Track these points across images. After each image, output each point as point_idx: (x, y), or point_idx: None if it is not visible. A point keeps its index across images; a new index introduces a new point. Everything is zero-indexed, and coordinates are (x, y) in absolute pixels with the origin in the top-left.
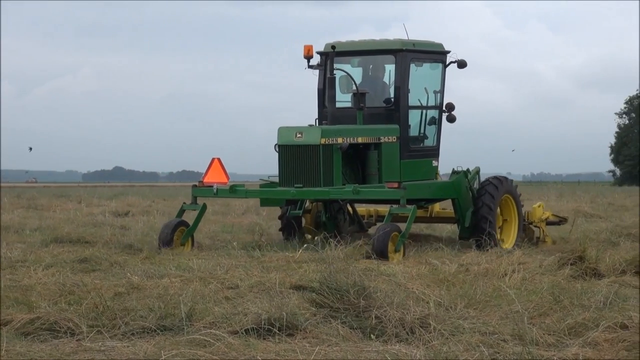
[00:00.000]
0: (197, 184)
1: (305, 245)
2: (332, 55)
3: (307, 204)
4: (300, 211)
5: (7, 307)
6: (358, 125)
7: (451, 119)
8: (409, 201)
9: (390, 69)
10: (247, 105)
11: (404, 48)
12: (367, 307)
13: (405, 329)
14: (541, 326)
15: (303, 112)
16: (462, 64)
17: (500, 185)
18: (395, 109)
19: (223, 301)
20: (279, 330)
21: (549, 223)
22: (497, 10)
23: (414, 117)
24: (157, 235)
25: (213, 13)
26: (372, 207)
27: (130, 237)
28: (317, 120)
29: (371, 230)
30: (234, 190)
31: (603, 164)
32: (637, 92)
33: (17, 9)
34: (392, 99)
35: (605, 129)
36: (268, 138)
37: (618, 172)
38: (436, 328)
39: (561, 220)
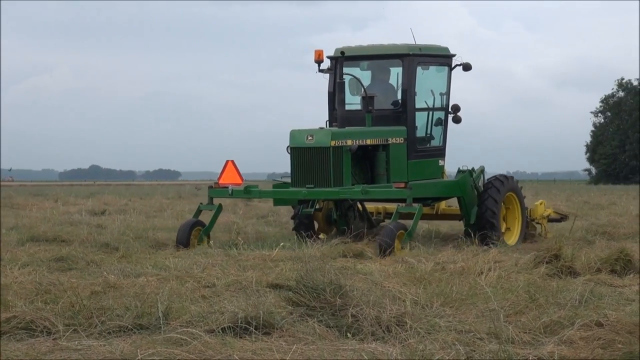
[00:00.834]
0: (213, 185)
1: (281, 244)
2: (341, 60)
3: (319, 203)
4: (312, 209)
5: None
6: (367, 128)
7: (457, 120)
8: (417, 200)
9: (397, 72)
10: (225, 105)
11: (411, 52)
12: (344, 305)
13: (381, 328)
14: (517, 324)
15: (283, 112)
16: (467, 67)
17: (505, 183)
18: (402, 111)
19: (200, 300)
20: (255, 329)
21: (550, 220)
22: (473, 10)
23: (420, 118)
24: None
25: (191, 12)
26: (380, 205)
27: (107, 236)
28: (327, 122)
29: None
30: (249, 191)
31: (579, 163)
32: (613, 90)
33: None
34: (400, 102)
35: (581, 127)
36: (245, 137)
37: (594, 170)
38: (412, 326)
39: (562, 218)
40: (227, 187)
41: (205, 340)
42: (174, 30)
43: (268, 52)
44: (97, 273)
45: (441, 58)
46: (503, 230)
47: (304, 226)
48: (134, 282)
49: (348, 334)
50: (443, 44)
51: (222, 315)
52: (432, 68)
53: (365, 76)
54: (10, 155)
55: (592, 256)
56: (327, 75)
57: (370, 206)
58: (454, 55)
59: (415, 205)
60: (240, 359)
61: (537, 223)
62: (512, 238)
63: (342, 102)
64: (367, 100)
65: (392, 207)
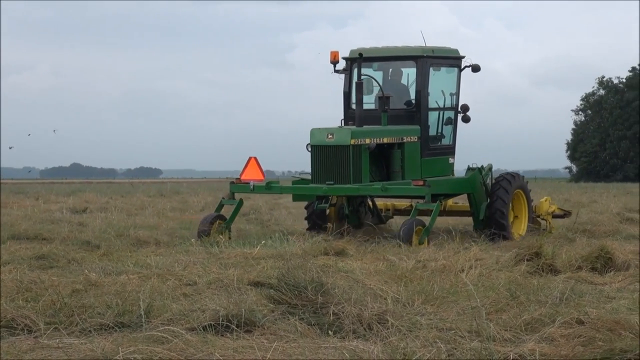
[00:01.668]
0: (234, 180)
1: (263, 242)
2: (359, 62)
3: (332, 198)
4: (327, 205)
5: None
6: (383, 127)
7: (466, 119)
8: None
9: (408, 72)
10: (205, 103)
11: (424, 54)
12: (325, 303)
13: (362, 325)
14: (498, 322)
15: (260, 111)
16: (476, 68)
17: (513, 181)
18: (416, 111)
19: (181, 298)
20: (236, 327)
21: (554, 216)
22: (454, 9)
23: (432, 117)
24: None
25: (172, 11)
26: (389, 202)
27: (88, 234)
28: (342, 121)
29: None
30: (270, 187)
31: (559, 161)
32: (594, 89)
33: None
34: (413, 102)
35: (562, 125)
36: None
37: (574, 168)
38: (394, 324)
39: (565, 214)
40: (249, 183)
41: (187, 338)
42: (154, 29)
43: (248, 51)
44: (78, 271)
45: (452, 60)
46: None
47: (319, 220)
48: (115, 280)
49: (329, 331)
50: (424, 43)
51: (204, 313)
52: (443, 69)
53: (377, 76)
54: None
55: (572, 254)
56: (343, 75)
57: (379, 202)
58: (463, 57)
59: (433, 203)
60: (221, 357)
61: (542, 219)
62: (519, 233)
63: (361, 102)
64: (384, 100)
65: (401, 203)
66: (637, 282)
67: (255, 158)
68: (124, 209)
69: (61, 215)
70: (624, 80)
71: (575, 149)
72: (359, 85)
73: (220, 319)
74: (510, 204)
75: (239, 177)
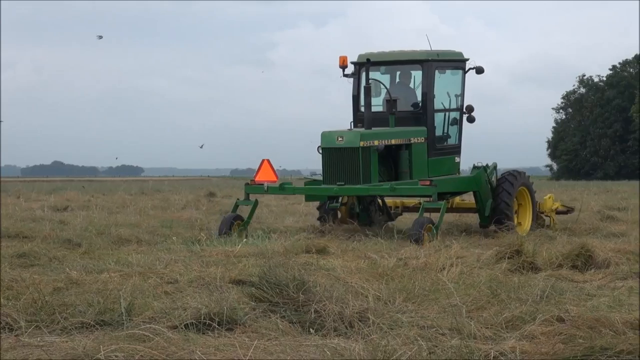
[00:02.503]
0: (249, 182)
1: (244, 240)
2: (367, 67)
3: (343, 198)
4: (338, 204)
5: None
6: (391, 129)
7: (471, 120)
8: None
9: (415, 75)
10: (185, 101)
11: (430, 58)
12: (306, 301)
13: (344, 323)
14: (479, 319)
15: (241, 109)
16: (479, 70)
17: (518, 178)
18: (423, 113)
19: (162, 296)
20: (218, 325)
21: (558, 212)
22: (435, 8)
23: (438, 119)
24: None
25: (152, 9)
26: (398, 200)
27: (69, 232)
28: (351, 124)
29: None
30: (283, 188)
31: (540, 159)
32: (574, 87)
33: None
34: (420, 104)
35: (542, 124)
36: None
37: (555, 166)
38: (375, 322)
39: (568, 210)
40: (263, 184)
41: (168, 336)
42: (134, 27)
43: (229, 49)
44: (59, 269)
45: (456, 62)
46: (515, 223)
47: (329, 218)
48: (96, 278)
49: (311, 329)
50: (405, 41)
51: (185, 311)
52: (448, 72)
53: (384, 79)
54: None
55: (553, 252)
56: (352, 79)
57: (389, 200)
58: (467, 60)
59: (440, 202)
60: (203, 355)
61: (546, 215)
62: (523, 229)
63: (369, 105)
64: (391, 102)
65: (409, 201)
66: (617, 279)
67: (268, 160)
68: (106, 207)
69: (42, 213)
70: (605, 79)
71: (556, 147)
72: (367, 89)
73: (202, 317)
74: (515, 200)
75: (252, 178)
